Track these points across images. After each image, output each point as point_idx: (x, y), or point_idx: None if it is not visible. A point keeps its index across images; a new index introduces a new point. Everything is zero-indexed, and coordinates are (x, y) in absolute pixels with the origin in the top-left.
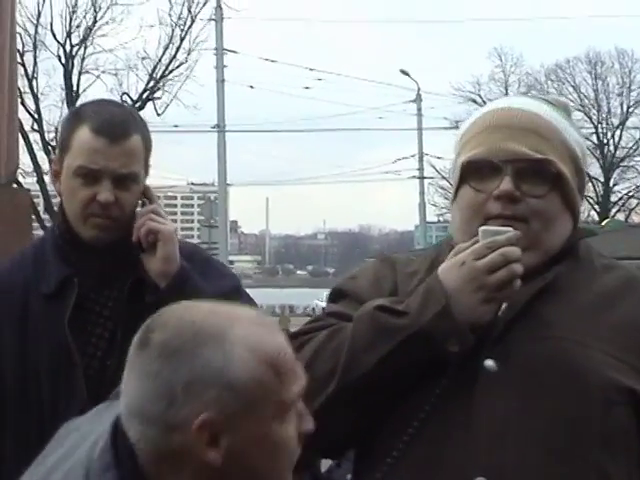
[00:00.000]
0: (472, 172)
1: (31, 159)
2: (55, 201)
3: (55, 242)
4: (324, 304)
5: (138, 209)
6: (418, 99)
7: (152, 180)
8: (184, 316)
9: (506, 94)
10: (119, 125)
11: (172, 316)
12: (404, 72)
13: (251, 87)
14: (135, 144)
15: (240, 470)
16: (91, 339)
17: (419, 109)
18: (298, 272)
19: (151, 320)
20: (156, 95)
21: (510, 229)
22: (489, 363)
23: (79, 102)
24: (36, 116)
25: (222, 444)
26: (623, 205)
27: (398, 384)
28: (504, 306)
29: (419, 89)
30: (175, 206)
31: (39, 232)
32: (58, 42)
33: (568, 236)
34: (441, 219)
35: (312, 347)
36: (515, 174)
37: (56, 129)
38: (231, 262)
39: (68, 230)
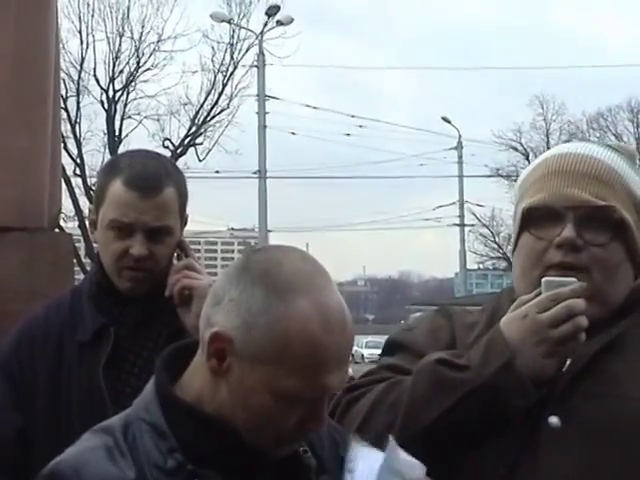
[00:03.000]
0: (533, 219)
1: (73, 204)
2: (96, 245)
3: (91, 290)
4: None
5: (174, 261)
6: (459, 146)
7: (192, 225)
8: (280, 257)
9: (547, 142)
10: (151, 178)
11: (274, 252)
12: (445, 119)
13: (292, 133)
14: (168, 197)
15: (229, 396)
16: (125, 389)
17: (460, 156)
18: None
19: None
20: (198, 141)
21: (574, 280)
22: (553, 420)
23: (121, 147)
24: (78, 161)
25: (227, 362)
26: None
27: (459, 439)
28: (568, 361)
29: (460, 136)
30: (215, 251)
31: (80, 276)
32: (101, 87)
33: (632, 287)
34: (481, 266)
35: (370, 400)
36: (577, 221)
37: (98, 174)
38: None
39: (104, 279)
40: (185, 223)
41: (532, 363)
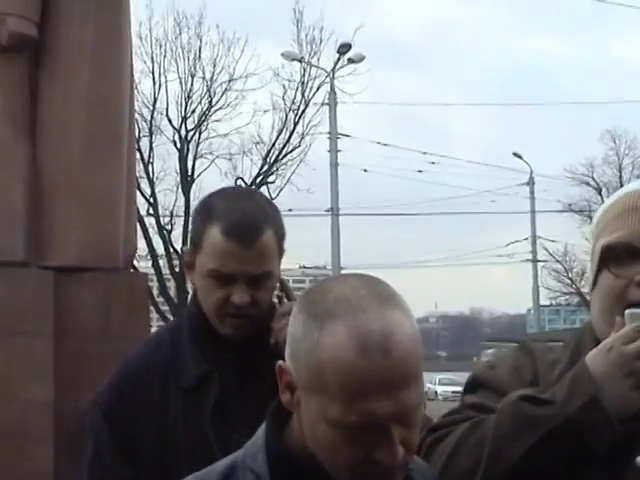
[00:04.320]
0: (612, 257)
1: (146, 243)
2: (169, 284)
3: (191, 333)
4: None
5: (276, 303)
6: (531, 182)
7: None
8: (333, 284)
9: (620, 177)
10: (251, 226)
11: (332, 280)
12: (517, 155)
13: (364, 170)
14: (268, 242)
15: (306, 431)
16: (233, 436)
17: (532, 192)
18: None
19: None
20: (270, 179)
21: None
22: None
23: (194, 186)
24: (151, 200)
25: (296, 395)
26: None
27: (543, 478)
28: None
29: (532, 172)
30: None
31: (154, 316)
32: (173, 127)
33: None
34: (554, 302)
35: (453, 440)
36: None
37: (171, 213)
38: None
39: (204, 322)
40: (282, 255)
41: (619, 397)
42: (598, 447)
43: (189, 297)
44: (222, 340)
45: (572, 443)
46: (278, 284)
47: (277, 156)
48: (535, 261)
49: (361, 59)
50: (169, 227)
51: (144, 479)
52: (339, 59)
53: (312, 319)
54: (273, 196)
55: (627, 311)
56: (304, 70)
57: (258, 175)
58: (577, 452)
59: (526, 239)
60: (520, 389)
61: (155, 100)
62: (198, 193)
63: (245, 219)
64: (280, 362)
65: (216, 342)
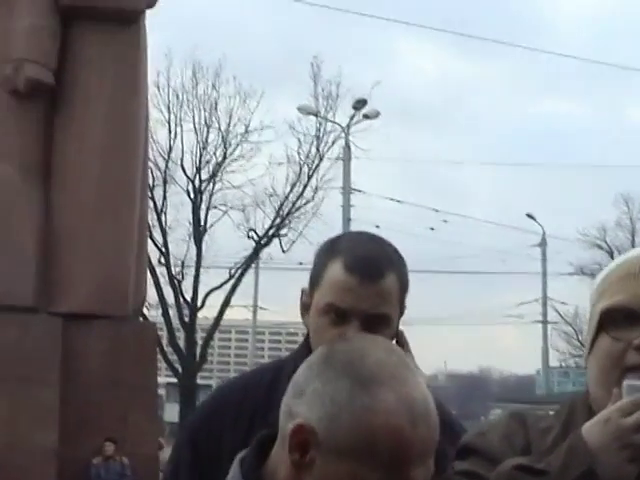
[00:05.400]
0: (611, 320)
1: (157, 292)
2: (178, 334)
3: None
4: None
5: None
6: (543, 243)
7: (273, 316)
8: (364, 348)
9: (632, 241)
10: (374, 263)
11: (358, 342)
12: (530, 216)
13: (377, 227)
14: (390, 284)
15: None
16: None
17: (544, 253)
18: None
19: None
20: (282, 232)
21: None
22: None
23: (206, 237)
24: (163, 250)
25: (309, 455)
26: None
27: None
28: None
29: (544, 233)
30: (296, 342)
31: (162, 364)
32: (187, 177)
33: None
34: (563, 364)
35: None
36: None
37: (182, 263)
38: None
39: None
40: (402, 313)
41: (615, 469)
42: None
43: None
44: None
45: None
46: (396, 337)
47: (290, 209)
48: (545, 322)
49: (376, 115)
50: (180, 277)
51: None
52: (354, 115)
53: (358, 385)
54: (285, 249)
55: (625, 382)
56: (320, 124)
57: (270, 227)
58: None
59: (537, 300)
60: (512, 456)
61: (170, 150)
62: (210, 243)
63: (369, 255)
64: (301, 421)
65: None
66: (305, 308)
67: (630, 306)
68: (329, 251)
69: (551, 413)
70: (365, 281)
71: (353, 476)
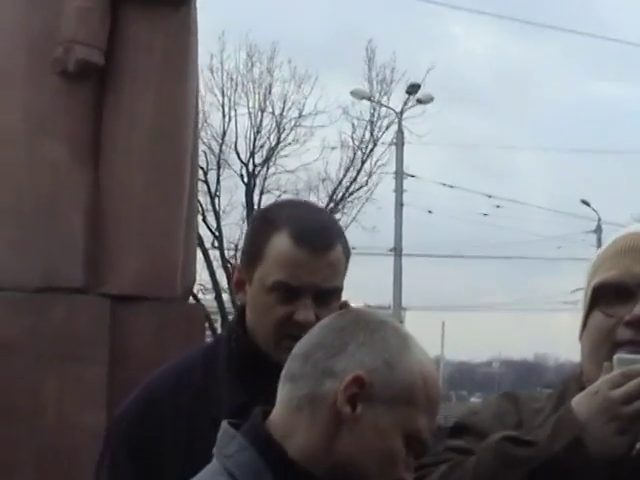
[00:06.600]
0: (603, 297)
1: (210, 276)
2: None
3: (231, 358)
4: None
5: None
6: (598, 230)
7: None
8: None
9: None
10: (323, 232)
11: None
12: (585, 202)
13: (429, 212)
14: (339, 254)
15: (354, 445)
16: None
17: (599, 239)
18: (472, 399)
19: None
20: (335, 216)
21: None
22: None
23: None
24: (217, 233)
25: (357, 409)
26: None
27: None
28: (639, 444)
29: (599, 219)
30: None
31: None
32: (241, 161)
33: None
34: None
35: (434, 478)
36: None
37: (236, 247)
38: None
39: (251, 348)
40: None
41: (602, 440)
42: None
43: (231, 319)
44: (270, 367)
45: None
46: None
47: (344, 194)
48: None
49: (430, 100)
50: (233, 261)
51: None
52: (408, 99)
53: (403, 339)
54: None
55: (615, 356)
56: (373, 109)
57: None
58: None
59: None
60: (505, 431)
61: (224, 133)
62: None
63: (316, 226)
64: (358, 372)
65: (263, 369)
66: (239, 285)
67: (621, 281)
68: (268, 222)
69: (544, 394)
70: (316, 253)
71: (403, 423)
